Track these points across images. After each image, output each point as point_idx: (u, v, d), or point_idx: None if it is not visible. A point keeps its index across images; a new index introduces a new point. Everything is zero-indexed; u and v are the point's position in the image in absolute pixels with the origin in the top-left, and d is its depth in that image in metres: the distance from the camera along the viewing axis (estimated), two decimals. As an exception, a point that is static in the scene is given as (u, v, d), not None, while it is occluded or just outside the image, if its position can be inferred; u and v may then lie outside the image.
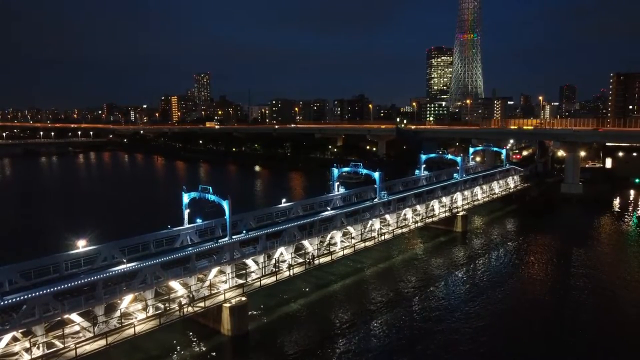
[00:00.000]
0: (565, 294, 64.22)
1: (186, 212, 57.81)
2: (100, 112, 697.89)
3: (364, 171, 74.97)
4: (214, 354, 47.03)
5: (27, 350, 37.05)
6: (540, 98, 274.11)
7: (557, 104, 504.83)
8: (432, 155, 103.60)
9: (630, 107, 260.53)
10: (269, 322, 53.48)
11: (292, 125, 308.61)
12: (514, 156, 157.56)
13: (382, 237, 71.94)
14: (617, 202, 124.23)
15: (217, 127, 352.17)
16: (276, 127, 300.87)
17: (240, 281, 52.59)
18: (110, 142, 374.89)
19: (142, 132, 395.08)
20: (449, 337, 50.67)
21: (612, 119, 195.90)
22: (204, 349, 47.42)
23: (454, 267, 73.63)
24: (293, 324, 53.40)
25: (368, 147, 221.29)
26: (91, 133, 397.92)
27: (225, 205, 51.90)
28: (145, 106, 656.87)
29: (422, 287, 65.21)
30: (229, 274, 51.28)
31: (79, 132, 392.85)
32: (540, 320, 55.70)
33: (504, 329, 53.59)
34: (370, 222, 70.99)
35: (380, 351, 47.76)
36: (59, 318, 39.28)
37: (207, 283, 49.42)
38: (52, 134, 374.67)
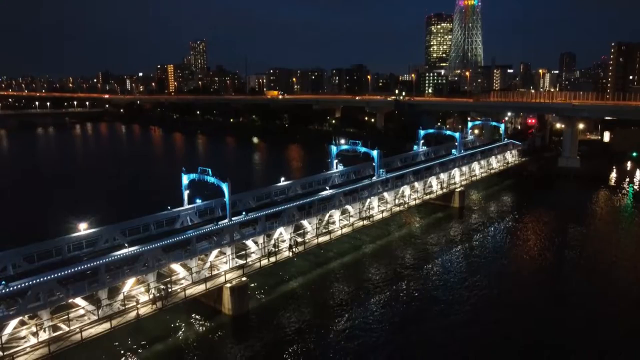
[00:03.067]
0: (560, 270, 65.74)
1: (186, 193, 58.17)
2: (95, 80, 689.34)
3: (363, 149, 75.07)
4: (215, 333, 48.19)
5: (34, 334, 37.93)
6: (541, 71, 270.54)
7: (557, 72, 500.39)
8: (431, 130, 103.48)
9: (631, 77, 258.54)
10: (269, 301, 54.58)
11: (290, 97, 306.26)
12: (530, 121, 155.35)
13: (381, 215, 72.62)
14: (613, 176, 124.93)
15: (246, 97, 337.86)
16: (280, 97, 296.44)
17: (241, 262, 53.42)
18: (106, 113, 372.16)
19: (138, 102, 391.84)
20: (446, 314, 51.95)
21: (611, 91, 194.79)
22: (205, 328, 48.56)
23: (451, 243, 74.68)
24: (292, 302, 54.46)
25: (366, 119, 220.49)
26: (87, 103, 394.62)
27: (225, 187, 52.20)
28: (140, 74, 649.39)
29: (419, 263, 66.33)
30: (229, 255, 52.04)
31: (75, 102, 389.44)
32: (535, 295, 57.26)
33: (499, 304, 54.77)
34: (368, 200, 71.52)
35: (379, 328, 48.95)
36: (64, 302, 40.05)
37: (208, 265, 50.22)
38: (48, 104, 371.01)
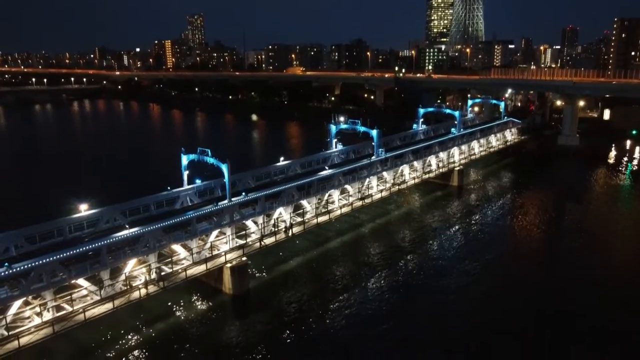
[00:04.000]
0: (557, 247, 66.89)
1: (185, 173, 58.30)
2: (92, 56, 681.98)
3: (362, 129, 74.84)
4: (216, 312, 48.94)
5: (38, 314, 38.56)
6: (542, 47, 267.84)
7: (558, 47, 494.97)
8: (430, 109, 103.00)
9: (633, 53, 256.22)
10: (268, 280, 55.30)
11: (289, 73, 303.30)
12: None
13: (380, 195, 72.91)
14: (613, 154, 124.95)
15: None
16: (305, 73, 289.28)
17: (241, 242, 53.90)
18: (104, 89, 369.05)
19: (136, 78, 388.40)
20: (445, 291, 52.96)
21: (613, 68, 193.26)
22: (206, 307, 49.30)
23: (449, 221, 75.26)
24: (292, 281, 55.22)
25: (366, 96, 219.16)
26: (84, 80, 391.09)
27: (224, 168, 52.31)
28: (138, 50, 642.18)
29: (418, 242, 67.01)
30: (229, 235, 52.48)
31: (72, 79, 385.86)
32: (532, 273, 58.27)
33: (497, 281, 55.77)
34: (367, 180, 71.73)
35: (379, 305, 49.78)
36: (67, 283, 40.58)
37: (208, 245, 50.68)
38: (45, 80, 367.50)
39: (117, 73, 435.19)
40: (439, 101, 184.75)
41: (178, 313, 47.79)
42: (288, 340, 43.77)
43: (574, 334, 44.53)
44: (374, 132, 73.71)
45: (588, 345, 43.00)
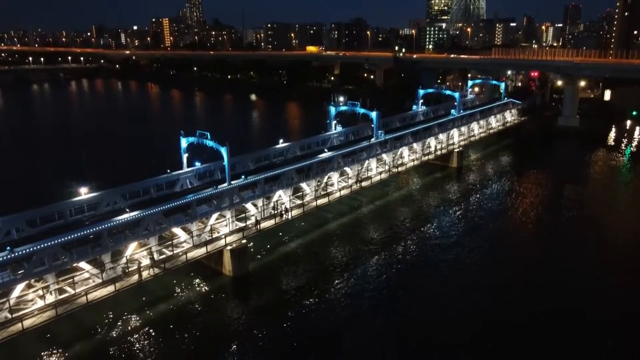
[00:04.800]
0: (555, 226, 67.95)
1: (185, 156, 58.37)
2: (89, 34, 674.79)
3: (362, 110, 74.62)
4: (216, 294, 49.53)
5: (41, 297, 39.06)
6: (544, 27, 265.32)
7: (560, 25, 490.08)
8: (430, 90, 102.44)
9: (635, 32, 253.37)
10: (269, 262, 55.83)
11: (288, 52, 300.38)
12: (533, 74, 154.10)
13: (379, 177, 73.09)
14: (613, 135, 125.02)
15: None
16: (324, 53, 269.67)
17: (241, 224, 54.26)
18: (102, 69, 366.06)
19: (134, 57, 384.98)
20: (443, 271, 53.69)
21: (615, 47, 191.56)
22: (207, 289, 49.86)
23: (448, 203, 75.66)
24: (292, 263, 55.72)
25: (366, 76, 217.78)
26: (82, 59, 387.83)
27: (224, 151, 52.35)
28: (135, 28, 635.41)
29: (416, 223, 67.49)
30: (228, 218, 52.80)
31: (69, 58, 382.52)
32: (532, 250, 59.12)
33: (497, 260, 56.64)
34: (367, 162, 71.82)
35: (377, 286, 50.41)
36: (68, 267, 40.99)
37: (208, 228, 51.04)
38: (42, 59, 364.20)
39: (115, 51, 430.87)
40: (439, 81, 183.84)
41: (179, 294, 48.36)
42: (288, 320, 44.40)
43: (571, 305, 45.26)
44: (374, 114, 73.53)
45: (586, 314, 43.79)
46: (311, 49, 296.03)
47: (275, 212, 56.89)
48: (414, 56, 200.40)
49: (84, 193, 49.20)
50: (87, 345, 40.56)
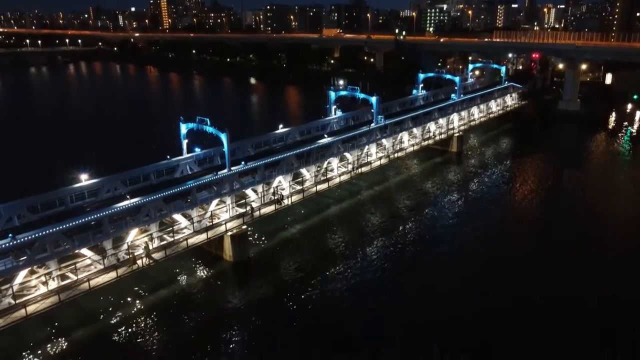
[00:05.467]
0: (555, 210, 68.70)
1: (184, 142, 58.40)
2: (86, 16, 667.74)
3: (362, 95, 74.40)
4: (217, 279, 50.07)
5: (44, 283, 39.46)
6: (546, 9, 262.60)
7: (562, 6, 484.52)
8: (430, 74, 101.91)
9: (638, 14, 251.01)
10: (269, 248, 56.24)
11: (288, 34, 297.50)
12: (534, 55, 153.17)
13: (379, 162, 73.17)
14: (613, 119, 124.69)
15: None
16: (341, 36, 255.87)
17: (241, 210, 54.53)
18: (100, 51, 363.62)
19: (132, 40, 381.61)
20: (444, 255, 54.33)
21: (617, 30, 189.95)
22: (207, 274, 50.36)
23: (448, 187, 75.87)
24: (293, 248, 56.13)
25: (366, 59, 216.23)
26: (79, 41, 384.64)
27: (224, 138, 52.38)
28: (133, 9, 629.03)
29: (416, 208, 67.84)
30: (229, 204, 53.04)
31: (67, 40, 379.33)
32: (530, 239, 59.39)
33: (495, 247, 56.82)
34: (366, 147, 71.83)
35: (377, 271, 50.90)
36: (70, 253, 41.32)
37: (209, 214, 51.29)
38: (39, 41, 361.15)
39: (113, 33, 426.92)
40: (439, 64, 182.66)
41: (180, 280, 48.82)
42: (288, 304, 44.91)
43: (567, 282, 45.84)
44: (374, 99, 73.31)
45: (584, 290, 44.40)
46: (329, 32, 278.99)
47: (274, 197, 57.06)
48: (414, 39, 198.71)
49: (84, 179, 49.33)
50: (91, 330, 41.13)
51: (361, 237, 58.80)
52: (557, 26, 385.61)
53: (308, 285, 47.96)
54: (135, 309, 43.89)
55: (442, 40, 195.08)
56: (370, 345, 39.74)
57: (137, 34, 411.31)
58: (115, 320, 42.29)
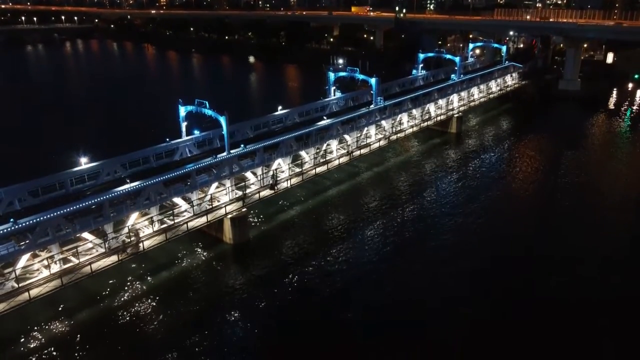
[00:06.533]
0: (553, 190, 69.39)
1: (183, 125, 58.28)
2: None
3: (361, 77, 73.93)
4: (217, 261, 50.66)
5: (47, 267, 39.92)
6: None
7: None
8: (430, 54, 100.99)
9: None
10: (268, 230, 56.74)
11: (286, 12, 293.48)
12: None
13: (378, 144, 73.16)
14: (613, 99, 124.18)
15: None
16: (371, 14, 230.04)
17: (240, 193, 54.74)
18: (96, 29, 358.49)
19: (129, 17, 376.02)
20: (441, 236, 54.87)
21: (620, 8, 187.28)
22: (208, 257, 50.89)
23: (446, 168, 76.13)
24: (292, 230, 56.71)
25: (365, 37, 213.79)
26: (75, 18, 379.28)
27: (223, 120, 52.29)
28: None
29: (415, 189, 68.23)
30: (228, 187, 53.24)
31: (63, 17, 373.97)
32: (529, 221, 59.94)
33: (495, 225, 57.97)
34: (366, 128, 71.71)
35: (376, 252, 51.57)
36: (72, 237, 41.69)
37: (209, 197, 51.54)
38: (35, 18, 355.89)
39: (109, 10, 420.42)
40: (439, 43, 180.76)
41: (181, 262, 49.37)
42: (288, 285, 45.68)
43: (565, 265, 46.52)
44: (373, 81, 72.88)
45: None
46: (356, 9, 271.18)
47: (275, 180, 57.20)
48: (414, 17, 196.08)
49: (84, 162, 49.41)
50: (94, 312, 41.81)
51: (360, 218, 59.28)
52: (559, 2, 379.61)
53: (307, 267, 48.59)
54: (137, 291, 44.52)
55: (442, 17, 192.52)
56: (367, 324, 40.64)
57: (134, 11, 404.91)
58: (117, 303, 42.93)
